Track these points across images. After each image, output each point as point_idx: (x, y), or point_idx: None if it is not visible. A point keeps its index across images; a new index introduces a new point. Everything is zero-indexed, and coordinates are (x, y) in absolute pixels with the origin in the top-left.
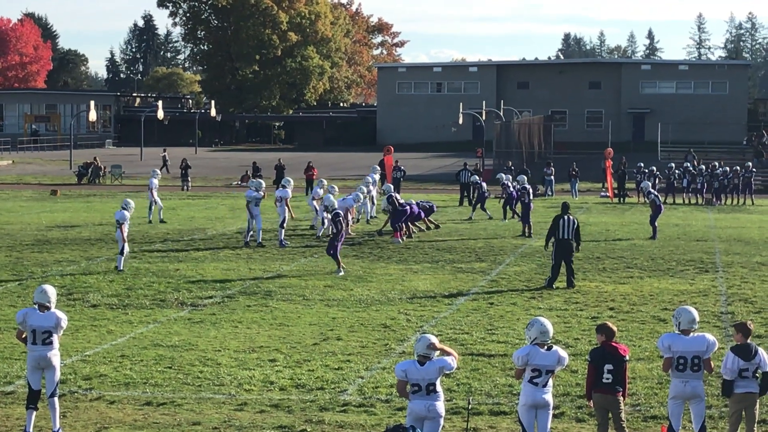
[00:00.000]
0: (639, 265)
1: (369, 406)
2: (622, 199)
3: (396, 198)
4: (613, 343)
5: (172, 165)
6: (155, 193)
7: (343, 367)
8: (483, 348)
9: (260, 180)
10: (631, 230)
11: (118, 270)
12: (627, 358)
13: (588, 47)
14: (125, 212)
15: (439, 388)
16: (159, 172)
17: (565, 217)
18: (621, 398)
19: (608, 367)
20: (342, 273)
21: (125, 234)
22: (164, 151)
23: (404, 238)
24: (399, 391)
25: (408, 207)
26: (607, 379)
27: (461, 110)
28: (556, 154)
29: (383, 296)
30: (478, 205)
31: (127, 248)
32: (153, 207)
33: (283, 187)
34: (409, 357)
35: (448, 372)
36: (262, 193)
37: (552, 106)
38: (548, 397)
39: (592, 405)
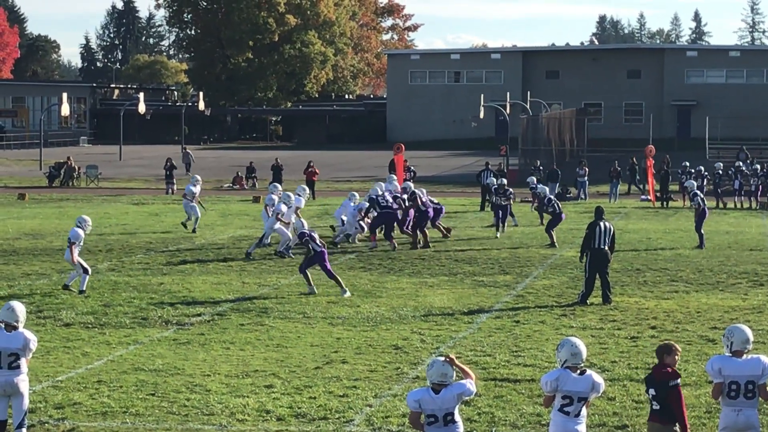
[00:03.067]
0: (684, 277)
1: None
2: (665, 203)
3: (419, 195)
4: (660, 367)
5: (156, 165)
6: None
7: (348, 393)
8: (508, 372)
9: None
10: (675, 238)
11: (81, 292)
12: (675, 382)
13: (626, 31)
14: (79, 231)
15: (458, 417)
16: (199, 178)
17: (601, 223)
18: (675, 428)
19: (652, 392)
20: (347, 294)
21: (75, 256)
22: (185, 148)
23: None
24: (412, 424)
25: (394, 209)
26: (655, 406)
27: (482, 103)
28: (589, 152)
29: (394, 314)
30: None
31: (86, 267)
32: (192, 217)
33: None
34: (423, 383)
35: (467, 398)
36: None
37: (585, 98)
38: (581, 428)
39: None
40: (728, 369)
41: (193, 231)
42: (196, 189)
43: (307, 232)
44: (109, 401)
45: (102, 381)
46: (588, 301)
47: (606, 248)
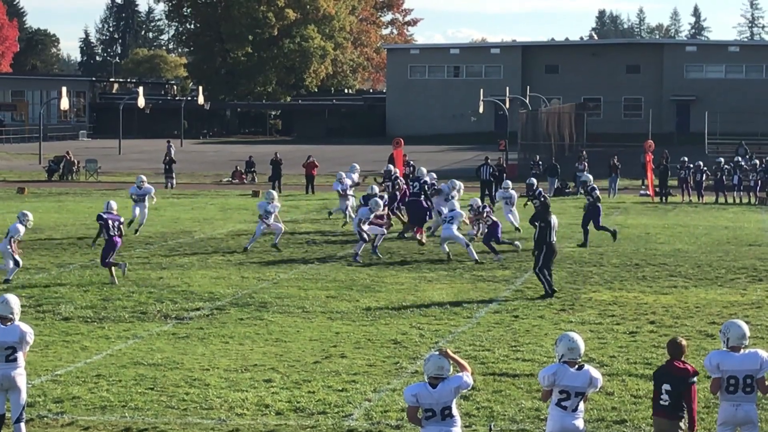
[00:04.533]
0: (683, 273)
1: None
2: (664, 198)
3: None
4: (677, 362)
5: (155, 159)
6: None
7: (347, 388)
8: (506, 367)
9: (272, 191)
10: (674, 233)
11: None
12: (693, 379)
13: (625, 26)
14: (20, 227)
15: (455, 411)
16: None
17: (552, 219)
18: (680, 424)
19: (666, 387)
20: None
21: (15, 249)
22: (169, 143)
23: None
24: (410, 418)
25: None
26: (665, 401)
27: (482, 97)
28: (589, 147)
29: (393, 308)
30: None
31: (15, 263)
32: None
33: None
34: (422, 378)
35: (464, 391)
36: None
37: (585, 93)
38: (579, 422)
39: None
40: (726, 364)
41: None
42: (144, 189)
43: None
44: (108, 395)
45: (101, 375)
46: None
47: (555, 242)
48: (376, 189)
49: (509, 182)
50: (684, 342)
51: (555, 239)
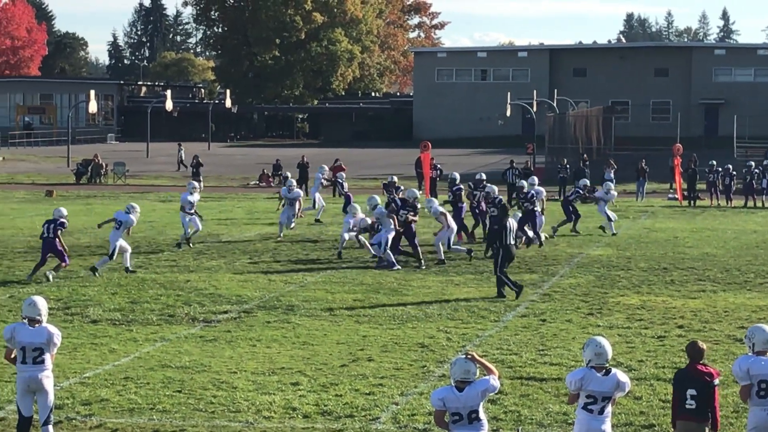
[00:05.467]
0: (712, 277)
1: None
2: (692, 201)
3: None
4: (700, 366)
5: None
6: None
7: (375, 391)
8: (534, 371)
9: (293, 180)
10: (702, 237)
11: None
12: (716, 382)
13: (654, 29)
14: (132, 216)
15: (482, 415)
16: (196, 185)
17: (508, 221)
18: (707, 428)
19: (691, 392)
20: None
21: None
22: (180, 146)
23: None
24: (437, 423)
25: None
26: (690, 405)
27: (509, 101)
28: (617, 151)
29: (420, 312)
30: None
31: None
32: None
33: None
34: (449, 381)
35: (491, 394)
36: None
37: (612, 96)
38: (606, 426)
39: None
40: (756, 368)
41: (187, 243)
42: (194, 197)
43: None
44: (136, 398)
45: (129, 377)
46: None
47: (513, 244)
48: (416, 193)
49: (535, 178)
50: (704, 345)
51: (512, 242)
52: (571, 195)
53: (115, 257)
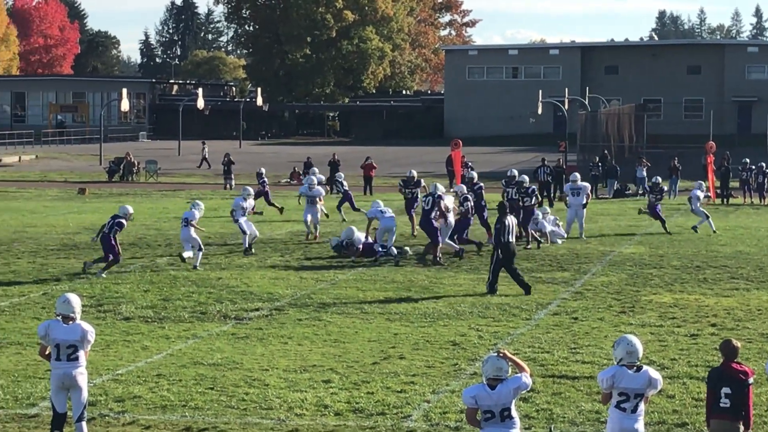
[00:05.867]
0: (745, 275)
1: None
2: (725, 199)
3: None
4: (734, 364)
5: (214, 160)
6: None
7: (406, 389)
8: (566, 369)
9: (314, 177)
10: (735, 235)
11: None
12: (750, 381)
13: (686, 27)
14: (195, 212)
15: (514, 413)
16: (251, 191)
17: (507, 219)
18: (741, 426)
19: (725, 390)
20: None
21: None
22: (204, 144)
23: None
24: (468, 421)
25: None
26: (725, 403)
27: (540, 99)
28: (649, 149)
29: (452, 309)
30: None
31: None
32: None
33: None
34: (481, 379)
35: (523, 391)
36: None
37: (645, 94)
38: (639, 425)
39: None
40: None
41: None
42: (248, 203)
43: None
44: (169, 395)
45: (161, 375)
46: (496, 288)
47: (513, 241)
48: (441, 188)
49: (577, 174)
50: (738, 343)
51: (512, 240)
52: (654, 201)
53: (189, 253)
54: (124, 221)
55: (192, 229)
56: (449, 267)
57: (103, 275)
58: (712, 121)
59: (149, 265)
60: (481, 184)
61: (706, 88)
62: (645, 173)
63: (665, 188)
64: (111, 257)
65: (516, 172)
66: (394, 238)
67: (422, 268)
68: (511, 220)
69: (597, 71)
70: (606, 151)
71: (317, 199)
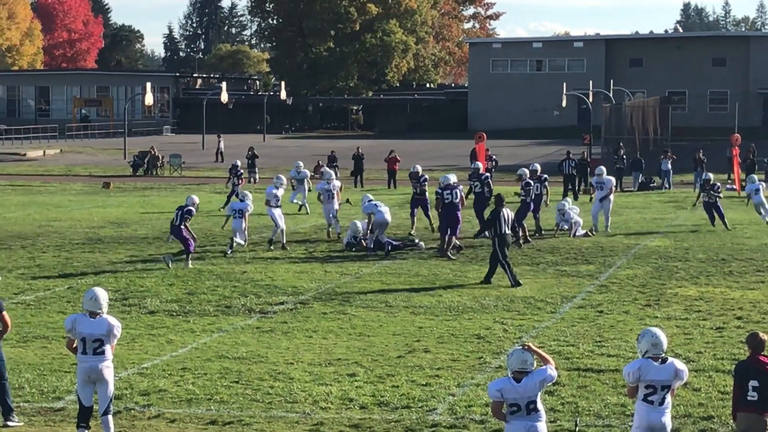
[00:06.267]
0: None
1: (461, 427)
2: None
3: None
4: (762, 357)
5: (238, 155)
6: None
7: (431, 383)
8: (591, 362)
9: (330, 170)
10: (761, 228)
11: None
12: None
13: (711, 19)
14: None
15: (540, 406)
16: (284, 180)
17: (503, 211)
18: (764, 419)
19: (753, 383)
20: None
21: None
22: (219, 138)
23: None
24: (494, 414)
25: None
26: (752, 396)
27: (565, 91)
28: (673, 141)
29: (477, 303)
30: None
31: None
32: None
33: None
34: (506, 373)
35: (548, 384)
36: (337, 184)
37: (669, 87)
38: (666, 419)
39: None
40: None
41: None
42: (280, 192)
43: None
44: (194, 388)
45: (186, 368)
46: (491, 280)
47: (509, 233)
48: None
49: (603, 168)
50: (765, 336)
51: (508, 231)
52: (711, 197)
53: (241, 241)
54: (193, 209)
55: (243, 221)
56: (474, 261)
57: (189, 265)
58: (737, 114)
59: (174, 258)
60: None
61: (731, 81)
62: (670, 166)
63: (719, 184)
64: (189, 246)
65: (538, 166)
66: (384, 231)
67: (446, 262)
68: (507, 212)
69: (621, 64)
70: (620, 143)
71: (336, 194)
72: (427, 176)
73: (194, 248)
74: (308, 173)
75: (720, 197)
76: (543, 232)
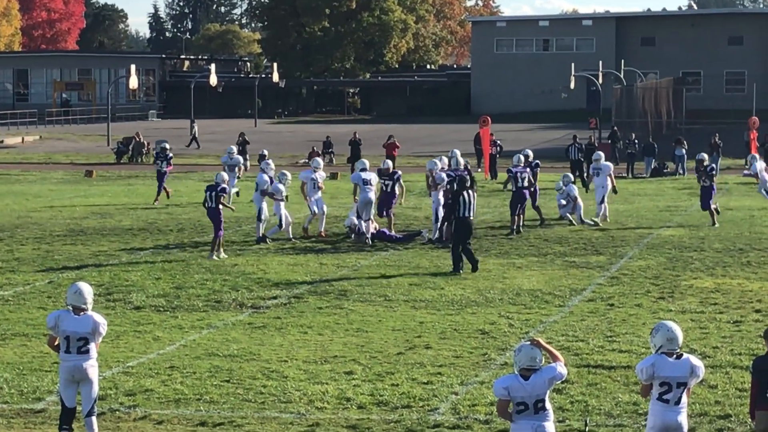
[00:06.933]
0: None
1: (465, 427)
2: None
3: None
4: None
5: (229, 140)
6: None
7: (433, 381)
8: (602, 358)
9: (319, 159)
10: None
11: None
12: None
13: None
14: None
15: (548, 405)
16: (288, 175)
17: (465, 193)
18: None
19: None
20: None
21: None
22: (193, 123)
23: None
24: (499, 413)
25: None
26: None
27: (573, 72)
28: (688, 124)
29: (481, 296)
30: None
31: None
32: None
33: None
34: (512, 370)
35: (558, 382)
36: (321, 174)
37: (683, 67)
38: (682, 418)
39: (754, 424)
40: None
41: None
42: (284, 186)
43: None
44: (182, 388)
45: (174, 367)
46: (461, 269)
47: (471, 218)
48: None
49: (601, 153)
50: None
51: (471, 215)
52: (705, 181)
53: (285, 225)
54: (225, 186)
55: (282, 204)
56: (477, 252)
57: (216, 256)
58: (755, 95)
59: (161, 251)
60: (538, 161)
61: (749, 60)
62: (684, 151)
63: (714, 166)
64: (219, 233)
65: (530, 153)
66: (372, 212)
67: (449, 252)
68: (468, 196)
69: (633, 43)
70: (615, 128)
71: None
72: (400, 172)
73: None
74: (241, 159)
75: (714, 181)
76: (546, 221)
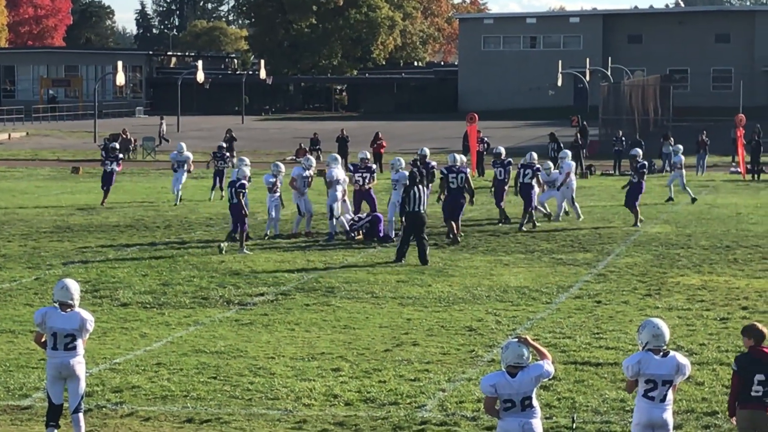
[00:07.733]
0: None
1: (452, 424)
2: (756, 175)
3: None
4: (764, 348)
5: (216, 137)
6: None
7: (420, 377)
8: (588, 355)
9: (312, 158)
10: (767, 213)
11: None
12: None
13: None
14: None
15: (535, 402)
16: (283, 168)
17: (415, 188)
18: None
19: (759, 377)
20: None
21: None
22: (161, 119)
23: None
24: (487, 410)
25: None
26: (757, 391)
27: (560, 70)
28: (675, 122)
29: (468, 293)
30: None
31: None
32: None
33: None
34: (499, 366)
35: (545, 379)
36: (312, 172)
37: (670, 64)
38: (667, 415)
39: (734, 422)
40: None
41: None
42: (279, 180)
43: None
44: (169, 384)
45: (161, 363)
46: (403, 259)
47: (422, 211)
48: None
49: (568, 152)
50: (764, 328)
51: (423, 210)
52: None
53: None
54: (245, 181)
55: (304, 197)
56: (464, 249)
57: (248, 250)
58: (742, 93)
59: (147, 247)
60: (511, 159)
61: (736, 58)
62: (671, 148)
63: (645, 163)
64: (243, 227)
65: (502, 149)
66: (350, 208)
67: (437, 250)
68: (419, 191)
69: (620, 40)
70: (584, 123)
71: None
72: (374, 167)
73: (236, 230)
74: (191, 156)
75: (644, 179)
76: (510, 220)
